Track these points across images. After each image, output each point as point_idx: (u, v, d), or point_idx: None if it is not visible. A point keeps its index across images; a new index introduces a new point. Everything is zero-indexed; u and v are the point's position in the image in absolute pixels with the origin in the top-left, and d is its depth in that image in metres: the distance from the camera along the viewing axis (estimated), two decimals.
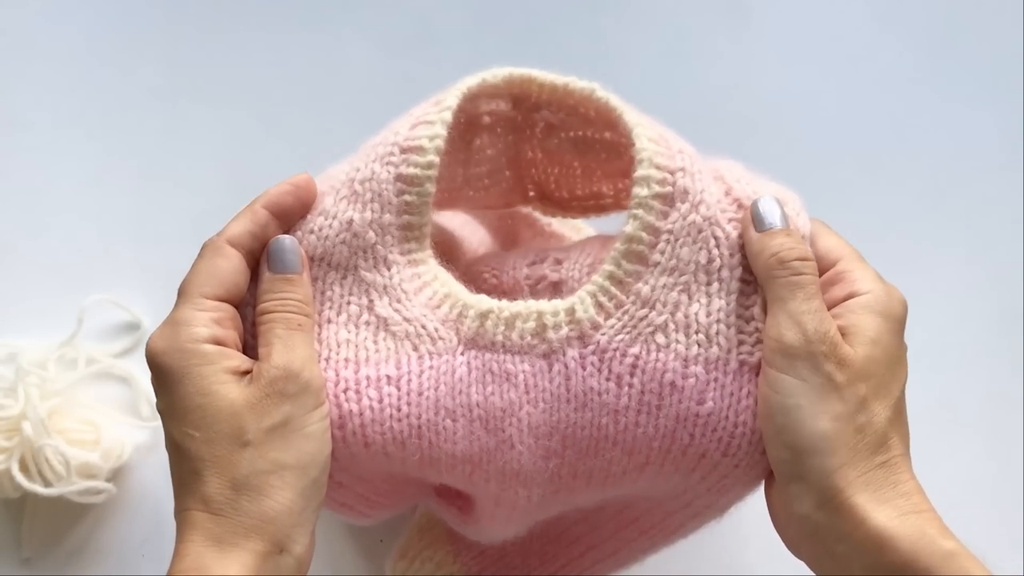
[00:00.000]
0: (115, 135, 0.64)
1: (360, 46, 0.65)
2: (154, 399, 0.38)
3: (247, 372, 0.38)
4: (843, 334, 0.38)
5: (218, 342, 0.38)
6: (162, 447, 0.38)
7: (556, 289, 0.43)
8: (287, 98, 0.64)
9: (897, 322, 0.39)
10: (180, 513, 0.37)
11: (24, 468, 0.54)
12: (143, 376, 0.60)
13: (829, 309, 0.38)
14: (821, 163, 0.64)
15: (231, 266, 0.39)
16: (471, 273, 0.45)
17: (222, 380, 0.37)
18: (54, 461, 0.54)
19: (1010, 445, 0.60)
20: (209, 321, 0.38)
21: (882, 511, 0.35)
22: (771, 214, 0.39)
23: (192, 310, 0.38)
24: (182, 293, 0.39)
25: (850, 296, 0.39)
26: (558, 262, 0.43)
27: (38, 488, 0.54)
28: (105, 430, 0.57)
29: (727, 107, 0.65)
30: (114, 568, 0.57)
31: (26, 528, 0.58)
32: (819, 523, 0.36)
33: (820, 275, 0.39)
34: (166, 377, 0.37)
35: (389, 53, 0.65)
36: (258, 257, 0.40)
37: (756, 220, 0.39)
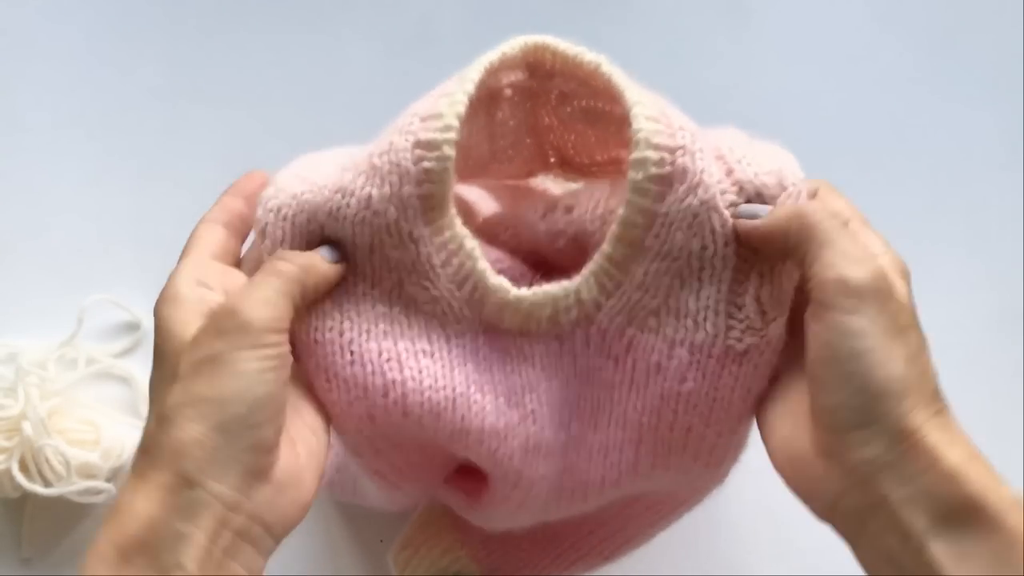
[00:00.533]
0: (115, 135, 0.64)
1: (360, 46, 0.65)
2: (126, 471, 0.39)
3: None
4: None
5: (203, 285, 0.39)
6: None
7: (576, 243, 0.42)
8: (287, 98, 0.64)
9: (909, 284, 0.38)
10: None
11: (24, 468, 0.54)
12: (143, 376, 0.60)
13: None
14: (821, 163, 0.64)
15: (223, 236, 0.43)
16: (487, 233, 0.45)
17: (185, 320, 0.37)
18: (54, 461, 0.54)
19: (1010, 445, 0.60)
20: (202, 265, 0.40)
21: (953, 451, 0.34)
22: (758, 210, 0.39)
23: (190, 263, 0.41)
24: (183, 256, 0.42)
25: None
26: (568, 209, 0.43)
27: (38, 488, 0.54)
28: (105, 430, 0.57)
29: (727, 107, 0.65)
30: None
31: (26, 528, 0.58)
32: (884, 465, 0.34)
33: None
34: (155, 330, 0.39)
35: (389, 53, 0.65)
36: (245, 237, 0.43)
37: (749, 216, 0.39)
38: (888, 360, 0.34)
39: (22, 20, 0.65)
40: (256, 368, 0.36)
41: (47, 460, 0.54)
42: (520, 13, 0.66)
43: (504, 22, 0.66)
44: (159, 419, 0.36)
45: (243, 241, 0.43)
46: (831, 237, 0.36)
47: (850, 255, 0.36)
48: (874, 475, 0.34)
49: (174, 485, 0.35)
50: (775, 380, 0.40)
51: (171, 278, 0.39)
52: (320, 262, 0.40)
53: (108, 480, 0.56)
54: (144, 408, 0.59)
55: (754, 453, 0.43)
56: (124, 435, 0.58)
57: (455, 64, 0.65)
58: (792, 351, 0.40)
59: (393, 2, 0.66)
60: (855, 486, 0.35)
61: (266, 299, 0.37)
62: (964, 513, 0.33)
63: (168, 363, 0.37)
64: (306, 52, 0.65)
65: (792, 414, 0.38)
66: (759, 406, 0.40)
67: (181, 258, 0.41)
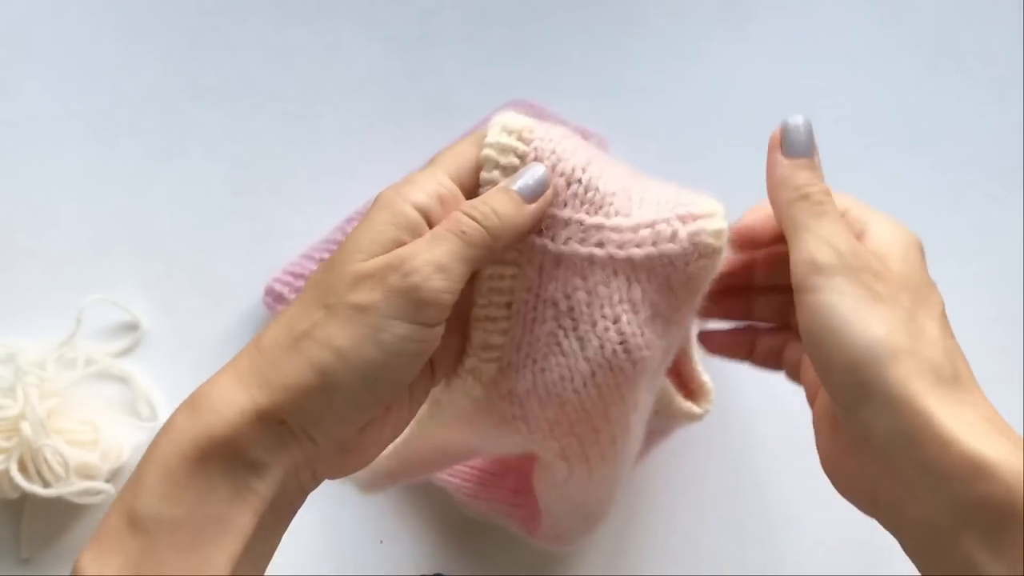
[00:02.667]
0: (115, 135, 0.64)
1: (360, 45, 0.65)
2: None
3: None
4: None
5: (424, 213, 0.35)
6: None
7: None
8: (287, 97, 0.64)
9: (920, 251, 0.38)
10: None
11: (23, 468, 0.54)
12: (142, 376, 0.60)
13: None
14: (821, 163, 0.64)
15: (477, 154, 0.38)
16: None
17: (376, 245, 0.34)
18: (53, 462, 0.54)
19: None
20: (432, 192, 0.36)
21: (970, 432, 0.31)
22: (801, 142, 0.38)
23: (428, 177, 0.36)
24: (430, 163, 0.38)
25: (864, 232, 0.38)
26: None
27: (37, 489, 0.54)
28: (104, 430, 0.57)
29: (727, 107, 0.65)
30: None
31: (25, 528, 0.57)
32: (898, 450, 0.32)
33: None
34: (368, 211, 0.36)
35: (389, 53, 0.65)
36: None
37: (785, 143, 0.38)
38: (864, 326, 0.33)
39: (22, 20, 0.65)
40: (399, 347, 0.33)
41: (46, 461, 0.54)
42: (520, 14, 0.66)
43: (504, 22, 0.66)
44: (287, 339, 0.34)
45: None
46: (806, 222, 0.36)
47: (824, 236, 0.35)
48: (894, 456, 0.32)
49: (265, 411, 0.33)
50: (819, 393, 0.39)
51: (412, 183, 0.36)
52: (511, 214, 0.35)
53: (107, 481, 0.56)
54: (143, 408, 0.59)
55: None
56: (123, 435, 0.58)
57: (455, 64, 0.65)
58: None
59: (393, 1, 0.66)
60: (882, 473, 0.33)
61: (441, 266, 0.33)
62: (992, 512, 0.31)
63: (327, 274, 0.34)
64: (306, 51, 0.65)
65: (827, 419, 0.37)
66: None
67: (431, 165, 0.38)
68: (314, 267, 0.57)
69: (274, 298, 0.59)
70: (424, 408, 0.39)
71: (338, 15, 0.66)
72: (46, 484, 0.54)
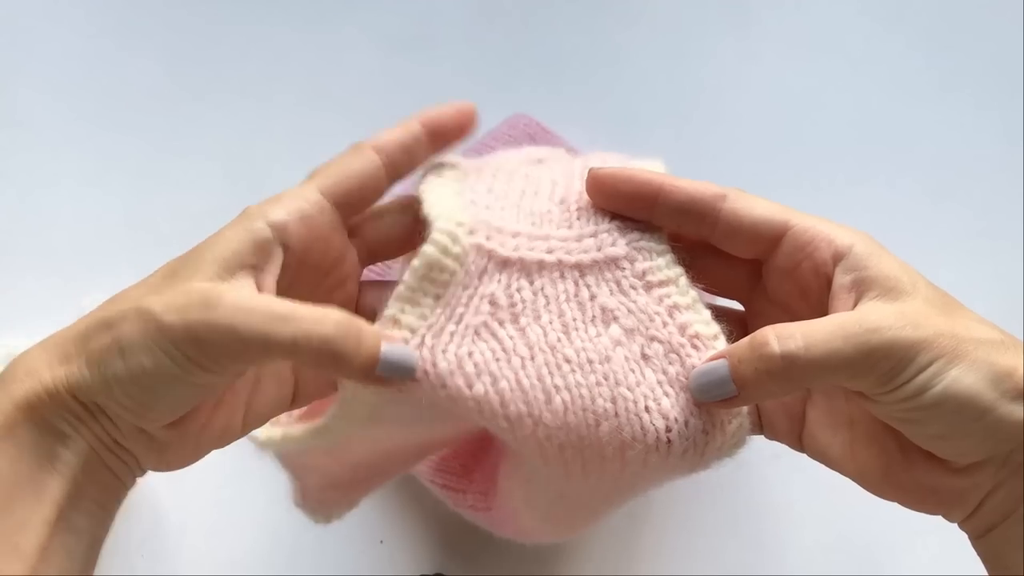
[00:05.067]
0: (115, 134, 0.64)
1: (360, 46, 0.65)
2: (40, 342, 0.37)
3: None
4: (866, 289, 0.33)
5: (279, 232, 0.34)
6: None
7: None
8: (287, 98, 0.64)
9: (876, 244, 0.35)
10: None
11: None
12: None
13: (829, 270, 0.34)
14: (821, 163, 0.64)
15: (361, 167, 0.36)
16: None
17: (220, 261, 0.34)
18: None
19: None
20: (294, 209, 0.35)
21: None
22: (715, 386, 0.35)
23: (295, 193, 0.35)
24: (309, 176, 0.36)
25: (837, 254, 0.34)
26: None
27: None
28: None
29: (727, 107, 0.65)
30: (113, 568, 0.57)
31: None
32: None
33: (774, 242, 0.35)
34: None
35: (389, 53, 0.65)
36: (401, 171, 0.37)
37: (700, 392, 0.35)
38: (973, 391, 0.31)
39: (22, 19, 0.65)
40: (165, 373, 0.32)
41: None
42: (520, 14, 0.66)
43: (504, 22, 0.66)
44: (102, 312, 0.34)
45: (394, 182, 0.38)
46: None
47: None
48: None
49: (63, 385, 0.33)
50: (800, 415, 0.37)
51: (275, 202, 0.35)
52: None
53: None
54: None
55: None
56: None
57: (455, 64, 0.65)
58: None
59: (393, 2, 0.66)
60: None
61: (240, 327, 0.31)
62: None
63: (184, 269, 0.34)
64: (306, 52, 0.65)
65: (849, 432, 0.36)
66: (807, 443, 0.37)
67: (308, 179, 0.37)
68: None
69: None
70: (332, 408, 0.38)
71: (338, 16, 0.66)
72: None
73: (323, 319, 0.31)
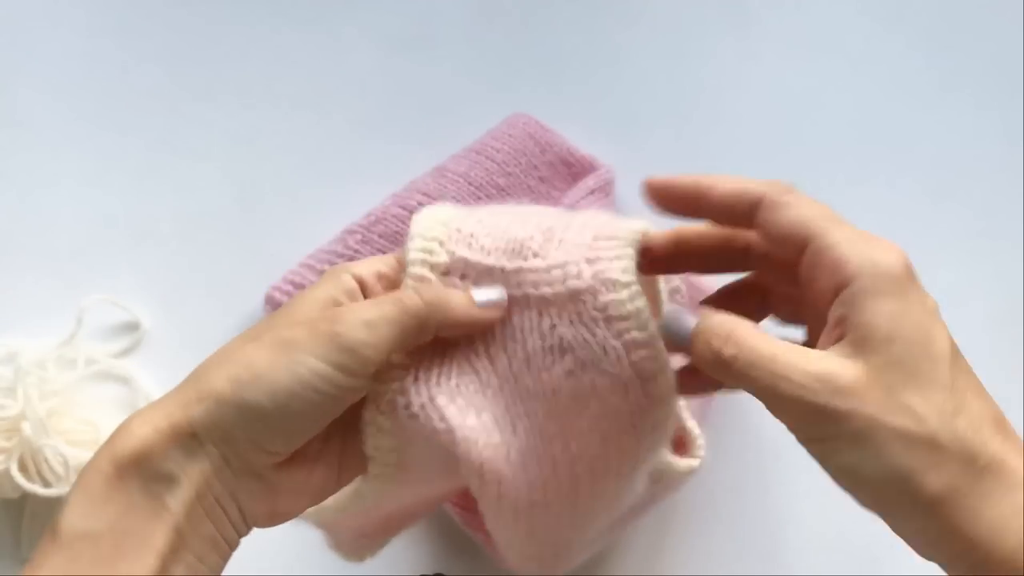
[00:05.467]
0: (115, 134, 0.64)
1: (360, 46, 0.65)
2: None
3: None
4: (845, 332, 0.33)
5: (359, 281, 0.38)
6: None
7: None
8: (287, 98, 0.65)
9: (902, 284, 0.33)
10: None
11: (23, 468, 0.54)
12: (143, 376, 0.60)
13: (828, 302, 0.34)
14: (821, 163, 0.64)
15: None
16: None
17: (315, 303, 0.37)
18: (53, 461, 0.54)
19: None
20: (370, 266, 0.39)
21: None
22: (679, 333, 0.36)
23: (373, 258, 0.40)
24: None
25: (840, 285, 0.33)
26: None
27: (37, 489, 0.54)
28: (105, 430, 0.57)
29: (727, 107, 0.65)
30: None
31: (26, 528, 0.57)
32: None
33: (798, 254, 0.34)
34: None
35: (389, 53, 0.65)
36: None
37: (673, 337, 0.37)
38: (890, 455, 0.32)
39: (22, 19, 0.65)
40: (311, 382, 0.34)
41: (46, 460, 0.54)
42: (520, 14, 0.66)
43: (504, 22, 0.66)
44: (217, 357, 0.36)
45: None
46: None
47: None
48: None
49: (180, 425, 0.34)
50: None
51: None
52: (459, 302, 0.38)
53: None
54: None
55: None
56: None
57: (455, 64, 0.65)
58: None
59: (393, 2, 0.66)
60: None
61: (368, 321, 0.35)
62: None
63: (282, 316, 0.37)
64: (306, 52, 0.65)
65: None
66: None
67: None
68: (314, 277, 0.57)
69: (273, 306, 0.59)
70: (363, 475, 0.41)
71: (338, 16, 0.66)
72: (46, 484, 0.54)
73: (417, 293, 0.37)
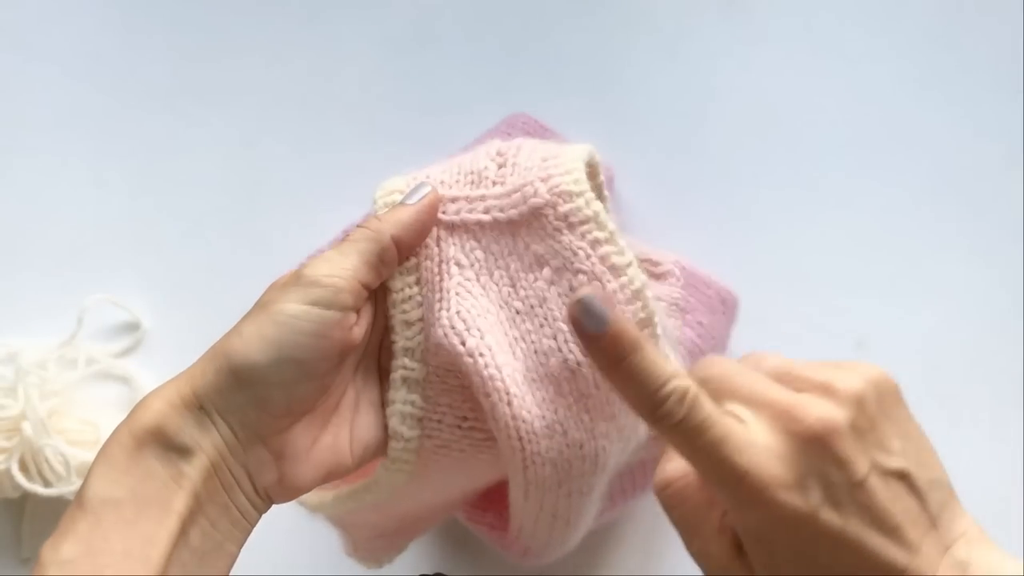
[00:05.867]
0: (116, 135, 0.64)
1: (360, 46, 0.65)
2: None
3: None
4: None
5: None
6: None
7: None
8: (287, 98, 0.64)
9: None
10: None
11: (24, 468, 0.54)
12: (143, 376, 0.60)
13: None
14: (821, 163, 0.64)
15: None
16: None
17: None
18: (54, 461, 0.54)
19: (1010, 446, 0.60)
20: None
21: None
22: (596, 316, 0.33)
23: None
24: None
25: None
26: None
27: (38, 488, 0.54)
28: (105, 430, 0.57)
29: (727, 107, 0.65)
30: None
31: (26, 528, 0.58)
32: None
33: None
34: None
35: (389, 53, 0.65)
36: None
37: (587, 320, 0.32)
38: None
39: (22, 19, 0.65)
40: (292, 325, 0.37)
41: (47, 460, 0.54)
42: (520, 13, 0.66)
43: (504, 23, 0.66)
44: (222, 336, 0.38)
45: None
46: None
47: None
48: None
49: (188, 398, 0.36)
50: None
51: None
52: (403, 209, 0.41)
53: None
54: None
55: None
56: None
57: (455, 64, 0.65)
58: None
59: (393, 2, 0.66)
60: None
61: (326, 257, 0.38)
62: None
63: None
64: (306, 52, 0.65)
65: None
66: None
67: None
68: None
69: None
70: (380, 465, 0.43)
71: (338, 16, 0.66)
72: (47, 484, 0.55)
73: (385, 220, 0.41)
